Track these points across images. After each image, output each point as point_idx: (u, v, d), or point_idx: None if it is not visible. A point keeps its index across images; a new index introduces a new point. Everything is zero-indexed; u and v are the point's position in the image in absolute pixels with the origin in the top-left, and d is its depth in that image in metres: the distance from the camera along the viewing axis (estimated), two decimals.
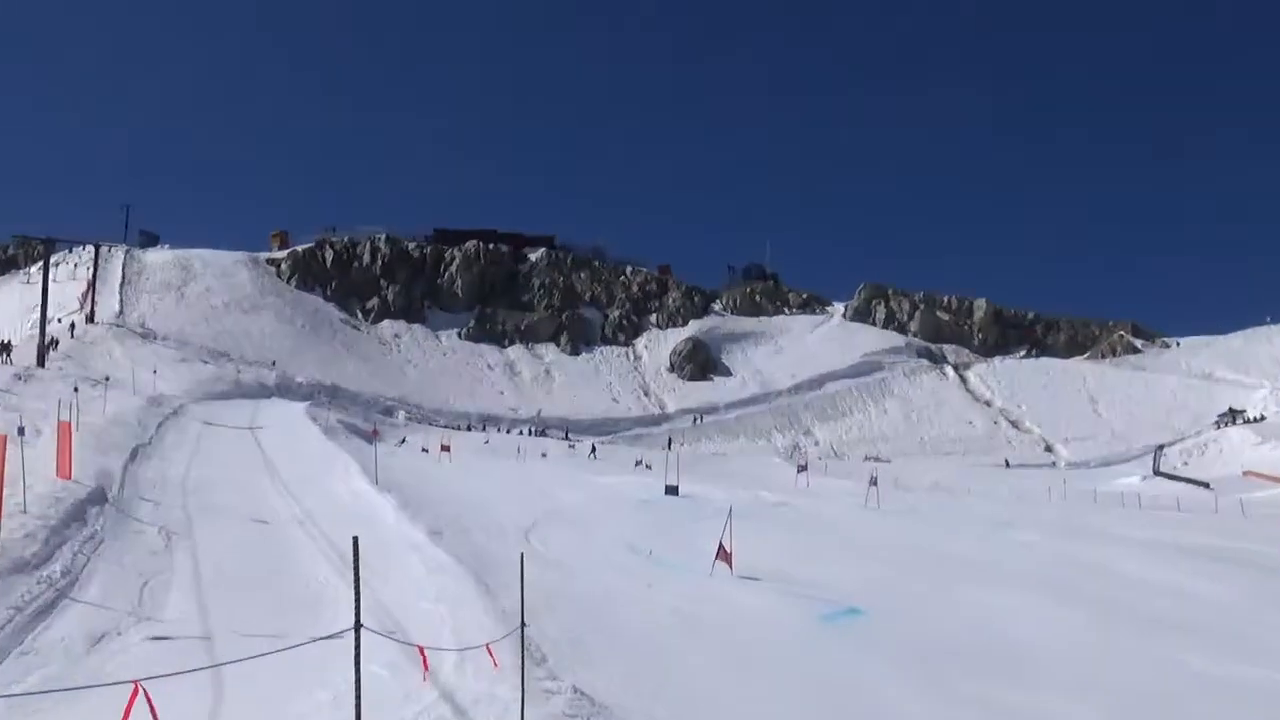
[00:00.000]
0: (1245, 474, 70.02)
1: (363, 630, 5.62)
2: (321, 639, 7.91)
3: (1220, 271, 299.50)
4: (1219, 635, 16.04)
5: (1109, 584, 20.87)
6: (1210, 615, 18.02)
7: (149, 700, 6.01)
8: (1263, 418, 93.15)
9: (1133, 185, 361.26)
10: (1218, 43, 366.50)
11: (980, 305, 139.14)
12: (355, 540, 5.40)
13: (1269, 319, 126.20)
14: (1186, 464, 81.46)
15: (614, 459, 60.38)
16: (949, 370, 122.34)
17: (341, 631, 6.06)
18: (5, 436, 16.95)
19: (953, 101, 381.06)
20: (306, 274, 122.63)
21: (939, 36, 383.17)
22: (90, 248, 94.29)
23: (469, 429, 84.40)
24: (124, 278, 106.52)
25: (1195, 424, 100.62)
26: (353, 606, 5.53)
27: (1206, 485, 62.53)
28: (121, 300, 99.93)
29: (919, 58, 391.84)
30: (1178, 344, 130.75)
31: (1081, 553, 25.60)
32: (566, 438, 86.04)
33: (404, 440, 54.29)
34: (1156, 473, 72.11)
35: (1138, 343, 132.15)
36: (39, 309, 59.39)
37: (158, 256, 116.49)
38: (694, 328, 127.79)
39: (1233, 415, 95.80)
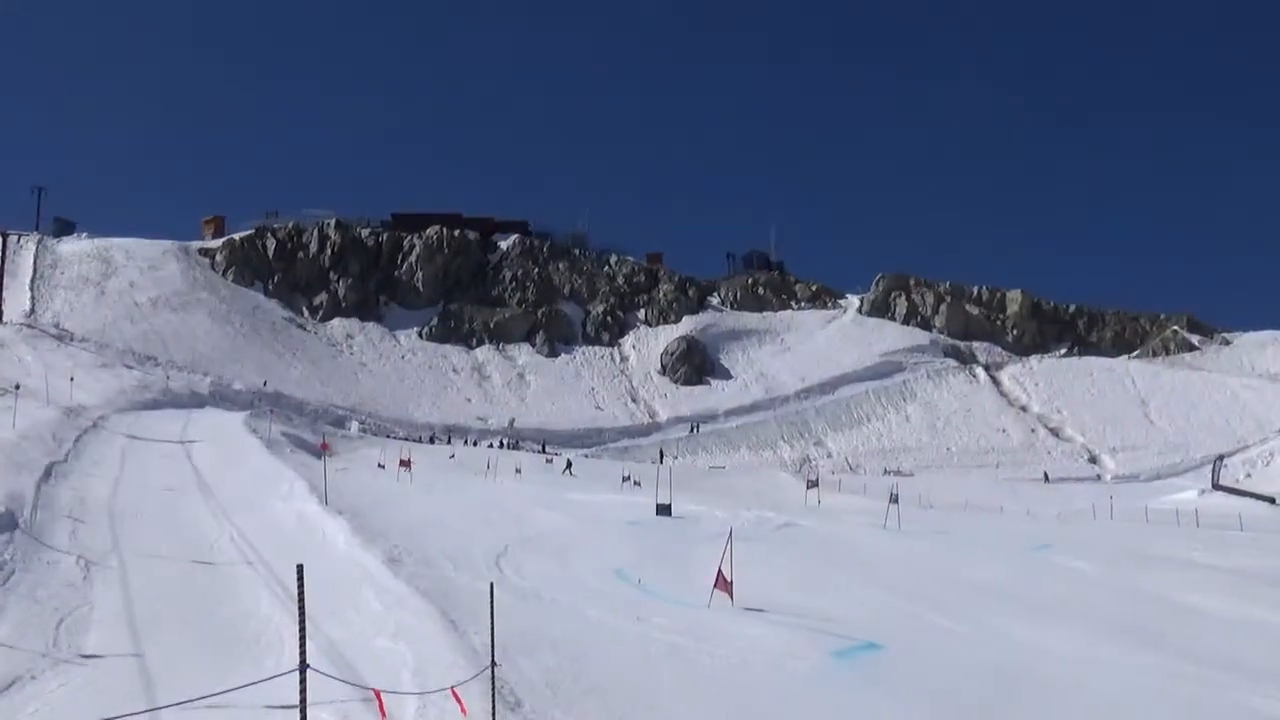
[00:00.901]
0: None
1: (310, 671, 5.62)
2: (261, 681, 7.91)
3: None
4: None
5: (1163, 616, 20.93)
6: (1278, 651, 18.07)
7: None
8: None
9: (1185, 162, 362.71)
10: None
11: (1015, 297, 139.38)
12: (300, 569, 5.41)
13: None
14: (1250, 476, 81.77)
15: (598, 475, 60.35)
16: (979, 371, 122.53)
17: (285, 673, 6.06)
18: None
19: (982, 72, 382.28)
20: (245, 266, 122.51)
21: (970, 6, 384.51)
22: None
23: (432, 441, 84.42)
24: (35, 271, 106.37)
25: (1259, 430, 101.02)
26: (298, 644, 5.52)
27: (1273, 500, 62.73)
28: (33, 297, 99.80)
29: (946, 26, 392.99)
30: (1239, 340, 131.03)
31: (1132, 580, 25.67)
32: (543, 450, 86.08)
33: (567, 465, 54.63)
34: (1216, 486, 72.25)
35: (1194, 339, 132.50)
36: None
37: (74, 247, 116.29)
38: (688, 325, 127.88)
39: None
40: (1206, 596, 22.99)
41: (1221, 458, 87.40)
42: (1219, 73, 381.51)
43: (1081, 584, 25.26)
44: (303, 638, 5.57)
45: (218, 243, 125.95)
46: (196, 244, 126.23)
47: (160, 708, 7.60)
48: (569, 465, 57.49)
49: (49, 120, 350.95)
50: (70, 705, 11.59)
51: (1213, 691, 14.79)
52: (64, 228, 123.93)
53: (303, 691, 5.58)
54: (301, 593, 5.50)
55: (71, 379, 58.37)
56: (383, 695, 8.84)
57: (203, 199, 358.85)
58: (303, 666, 5.56)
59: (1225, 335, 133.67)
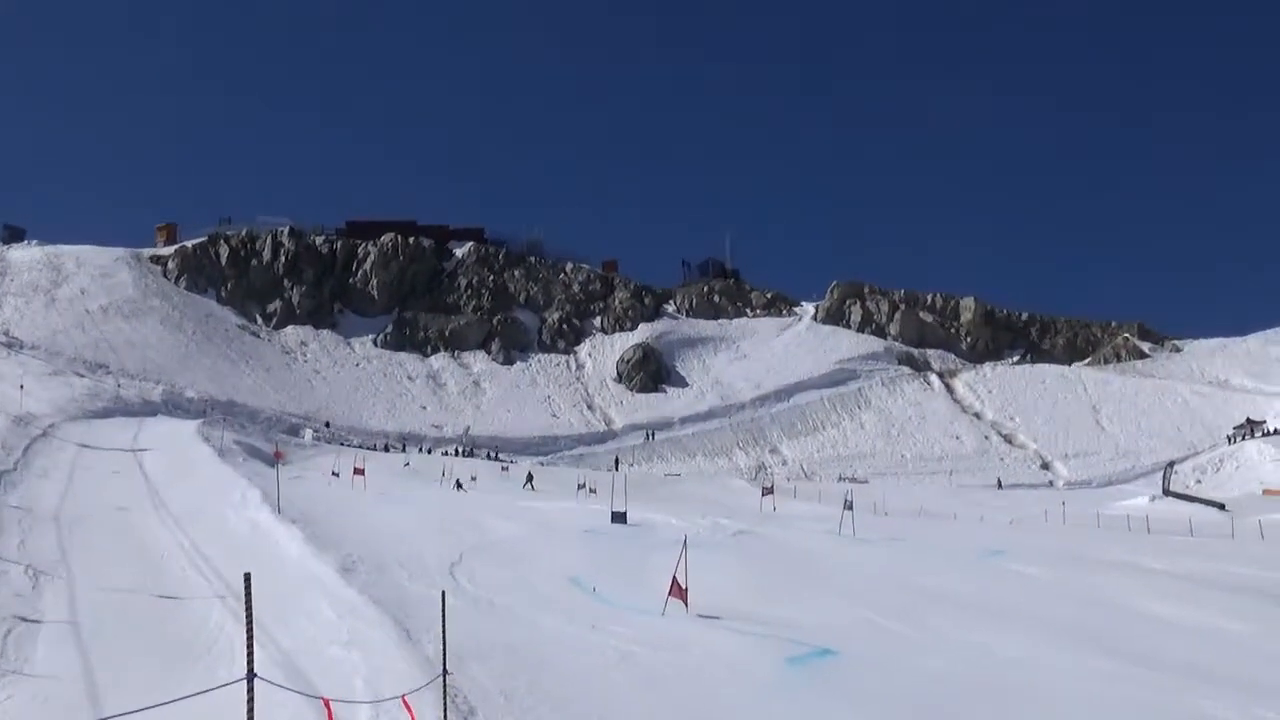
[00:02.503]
0: (1265, 492, 71.00)
1: (259, 680, 5.56)
2: (209, 690, 7.83)
3: (1236, 266, 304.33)
4: (1238, 677, 16.16)
5: (1114, 621, 21.04)
6: (1229, 655, 18.19)
7: None
8: None
9: (1137, 173, 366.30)
10: (1227, 34, 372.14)
11: (969, 305, 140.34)
12: (248, 577, 5.36)
13: None
14: (1200, 482, 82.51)
15: (554, 482, 60.21)
16: (933, 379, 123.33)
17: (233, 681, 6.00)
18: None
19: (934, 79, 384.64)
20: (198, 273, 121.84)
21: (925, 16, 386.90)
22: None
23: (387, 449, 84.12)
24: None
25: (1209, 437, 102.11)
26: (247, 654, 5.47)
27: (1222, 506, 63.26)
28: None
29: (902, 40, 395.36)
30: (1189, 347, 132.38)
31: (1084, 585, 25.79)
32: (496, 458, 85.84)
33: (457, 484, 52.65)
34: (1167, 492, 72.94)
35: (1145, 346, 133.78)
36: None
37: (24, 254, 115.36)
38: (644, 332, 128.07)
39: (1250, 427, 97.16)
40: (1157, 601, 23.14)
41: (1172, 464, 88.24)
42: (1172, 81, 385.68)
43: (1033, 589, 25.38)
44: (250, 646, 5.52)
45: (170, 250, 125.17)
46: (149, 251, 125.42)
47: (108, 719, 7.51)
48: (530, 479, 56.98)
49: None
50: (18, 718, 11.45)
51: (1164, 696, 14.88)
52: (14, 234, 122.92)
53: (250, 700, 5.53)
54: (249, 601, 5.45)
55: (21, 387, 57.82)
56: (332, 704, 8.77)
57: (155, 206, 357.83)
58: (250, 675, 5.51)
59: (1176, 343, 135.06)
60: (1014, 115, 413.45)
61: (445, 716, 8.79)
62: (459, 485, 52.92)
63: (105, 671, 13.57)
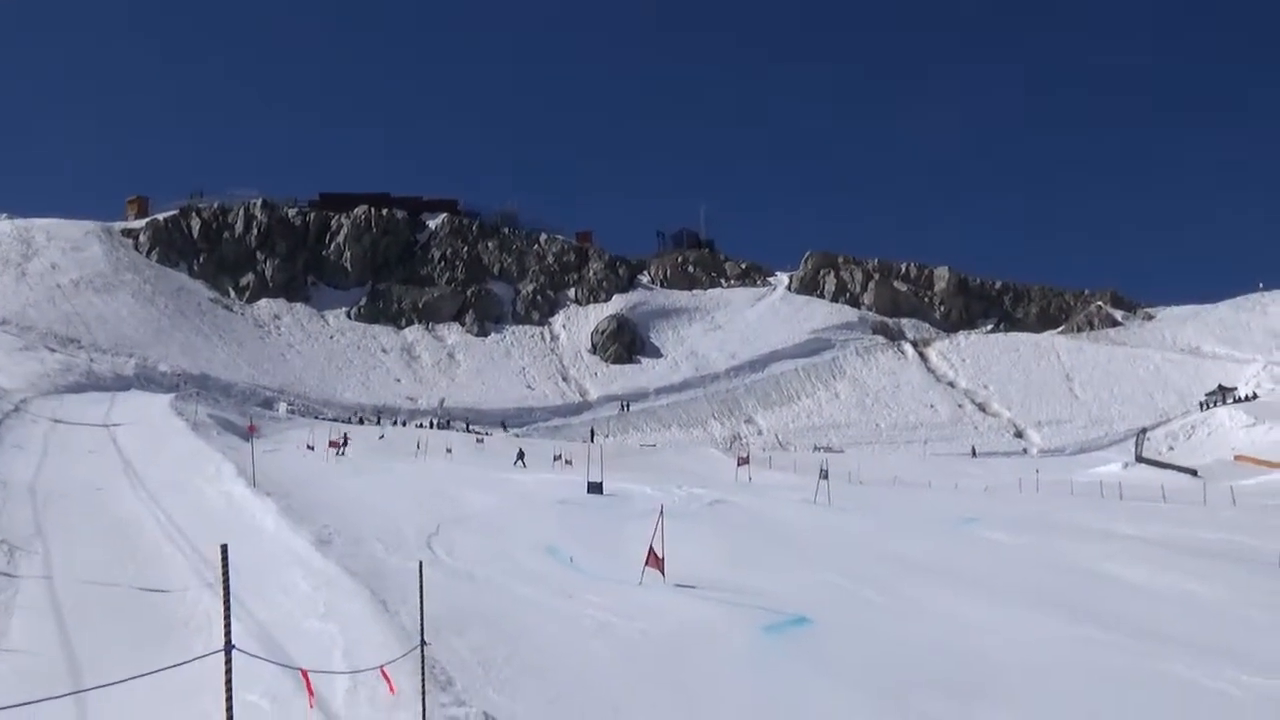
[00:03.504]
0: (1236, 458, 71.52)
1: (236, 652, 5.58)
2: (186, 662, 7.84)
3: (1208, 233, 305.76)
4: (1208, 642, 16.30)
5: (1087, 587, 21.18)
6: (1199, 619, 18.34)
7: None
8: (1254, 396, 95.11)
9: (1110, 139, 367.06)
10: None
11: (942, 274, 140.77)
12: (224, 549, 5.37)
13: (1261, 285, 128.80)
14: (1172, 449, 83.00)
15: (529, 454, 60.26)
16: (908, 348, 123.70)
17: (209, 653, 6.01)
18: None
19: (902, 45, 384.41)
20: (169, 247, 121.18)
21: None
22: None
23: (361, 422, 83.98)
24: None
25: (1181, 404, 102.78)
26: (224, 625, 5.48)
27: (1194, 472, 63.73)
28: None
29: (876, 5, 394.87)
30: (1161, 315, 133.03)
31: (1057, 552, 25.95)
32: (469, 429, 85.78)
33: (344, 441, 51.04)
34: (1139, 459, 73.36)
35: (1117, 314, 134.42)
36: None
37: None
38: (618, 303, 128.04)
39: (1222, 394, 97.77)
40: (1128, 567, 23.30)
41: (1145, 431, 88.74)
42: (1148, 56, 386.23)
43: (1006, 556, 25.53)
44: (227, 618, 5.53)
45: (141, 223, 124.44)
46: (120, 224, 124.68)
47: (86, 689, 7.52)
48: (521, 456, 56.28)
49: None
50: None
51: (1135, 660, 15.00)
52: None
53: (228, 672, 5.54)
54: (226, 573, 5.46)
55: None
56: (310, 675, 8.80)
57: (125, 179, 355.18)
58: (228, 647, 5.52)
59: (1148, 310, 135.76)
60: (983, 83, 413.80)
61: (423, 687, 8.82)
62: (521, 458, 53.45)
63: (82, 645, 13.56)
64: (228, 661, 5.45)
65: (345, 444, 48.88)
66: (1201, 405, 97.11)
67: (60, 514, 23.22)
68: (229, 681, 5.45)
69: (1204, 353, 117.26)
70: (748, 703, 12.46)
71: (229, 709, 5.42)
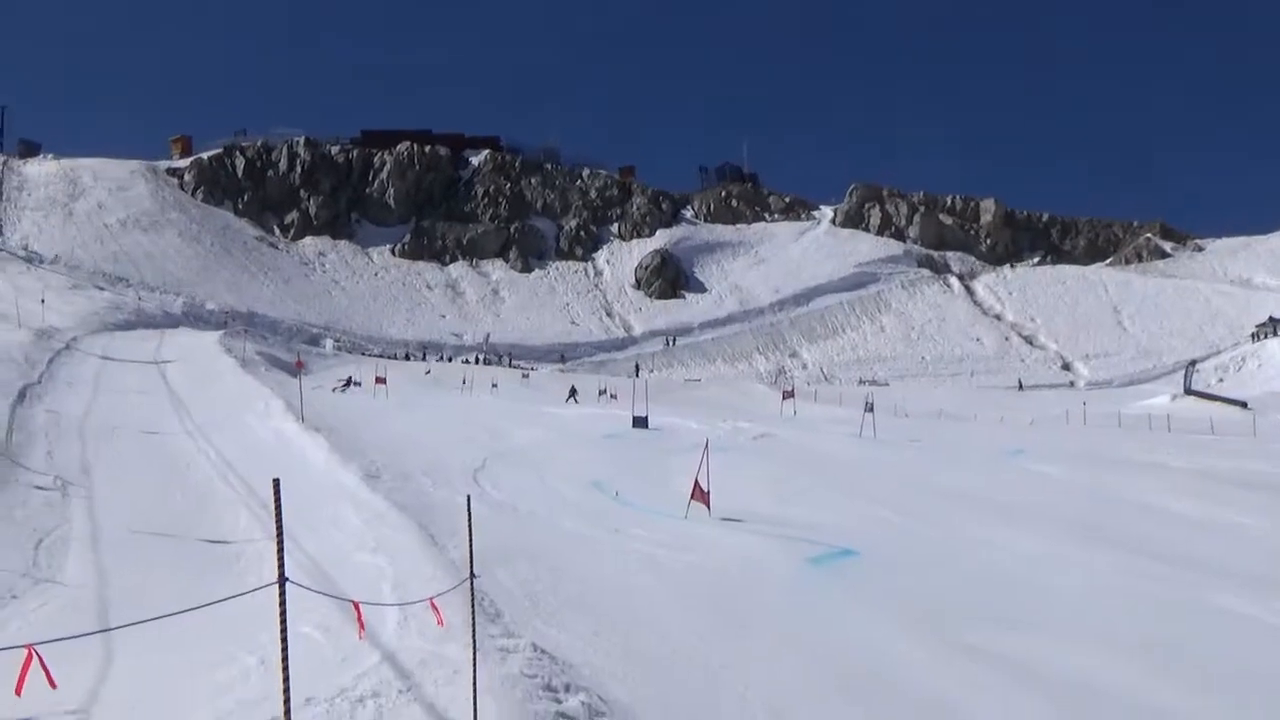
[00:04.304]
0: None
1: (289, 585, 5.65)
2: (240, 595, 7.95)
3: (1259, 163, 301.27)
4: (1258, 574, 16.24)
5: (1135, 519, 21.11)
6: (1248, 552, 18.27)
7: (44, 666, 6.04)
8: None
9: (1157, 68, 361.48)
10: None
11: (989, 207, 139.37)
12: (276, 483, 5.42)
13: None
14: (1222, 381, 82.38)
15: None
16: (953, 281, 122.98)
17: (263, 585, 6.09)
18: None
19: None
20: (214, 185, 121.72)
21: None
22: None
23: (407, 358, 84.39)
24: (2, 194, 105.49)
25: (1231, 336, 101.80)
26: (276, 560, 5.56)
27: (1244, 404, 63.16)
28: (0, 220, 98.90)
29: None
30: (1211, 246, 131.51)
31: (1103, 484, 25.85)
32: (512, 363, 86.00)
33: (349, 382, 51.48)
34: (1188, 391, 72.67)
35: (1166, 246, 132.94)
36: None
37: (40, 168, 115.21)
38: (662, 238, 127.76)
39: (1273, 325, 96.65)
40: (1175, 499, 23.19)
41: (1194, 363, 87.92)
42: None
43: (1052, 488, 25.45)
44: (280, 551, 5.60)
45: (186, 162, 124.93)
46: (164, 164, 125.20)
47: (136, 623, 7.65)
48: (574, 392, 56.22)
49: (9, 38, 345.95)
50: (50, 624, 11.64)
51: (1181, 591, 14.96)
52: (29, 149, 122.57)
53: (282, 604, 5.61)
54: (279, 506, 5.52)
55: (43, 301, 58.11)
56: (361, 607, 8.90)
57: (169, 118, 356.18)
58: (281, 580, 5.59)
59: (1198, 242, 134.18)
60: (1031, 14, 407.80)
61: (474, 619, 8.90)
62: (574, 394, 53.97)
63: (135, 580, 13.76)
64: (281, 594, 5.52)
65: (349, 384, 49.43)
66: (1252, 337, 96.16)
67: (112, 450, 23.51)
68: (283, 614, 5.53)
69: (1254, 284, 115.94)
70: (794, 632, 12.51)
71: (284, 640, 5.50)
